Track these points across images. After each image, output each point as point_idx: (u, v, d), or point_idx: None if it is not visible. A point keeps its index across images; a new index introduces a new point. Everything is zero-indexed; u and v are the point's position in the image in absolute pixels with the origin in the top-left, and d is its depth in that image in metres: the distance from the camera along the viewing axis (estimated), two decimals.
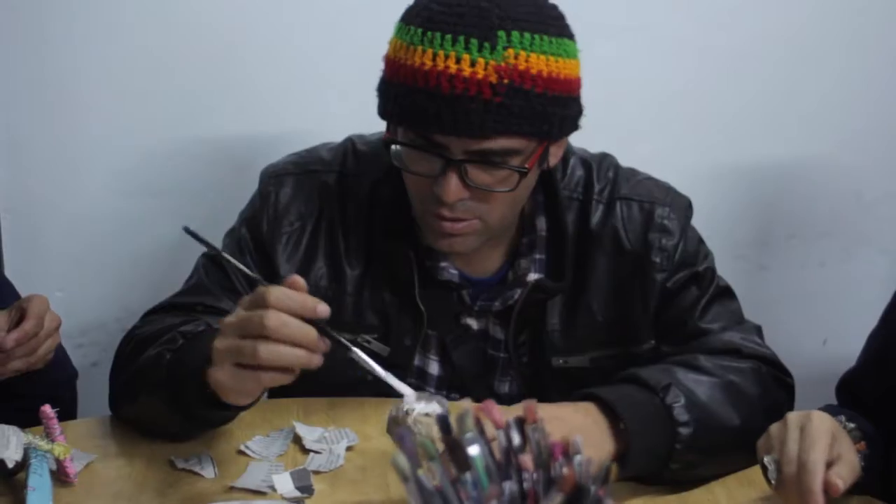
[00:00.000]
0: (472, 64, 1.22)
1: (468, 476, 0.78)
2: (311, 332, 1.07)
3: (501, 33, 1.23)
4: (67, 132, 1.85)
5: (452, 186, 1.27)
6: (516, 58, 1.23)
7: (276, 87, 1.91)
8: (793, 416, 1.13)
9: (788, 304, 2.27)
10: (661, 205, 1.45)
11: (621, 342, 1.46)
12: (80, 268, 1.88)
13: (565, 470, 0.74)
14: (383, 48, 1.87)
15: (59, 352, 1.41)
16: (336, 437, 1.32)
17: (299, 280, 1.09)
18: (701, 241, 1.49)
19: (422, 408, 1.11)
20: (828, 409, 1.29)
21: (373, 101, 1.85)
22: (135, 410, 1.30)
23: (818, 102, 2.20)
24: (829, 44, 2.16)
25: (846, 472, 1.08)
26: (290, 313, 1.06)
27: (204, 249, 1.47)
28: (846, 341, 2.35)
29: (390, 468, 1.21)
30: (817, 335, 2.27)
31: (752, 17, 2.10)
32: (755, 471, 1.30)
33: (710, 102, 2.10)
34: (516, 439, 0.80)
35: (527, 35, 1.24)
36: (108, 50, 1.83)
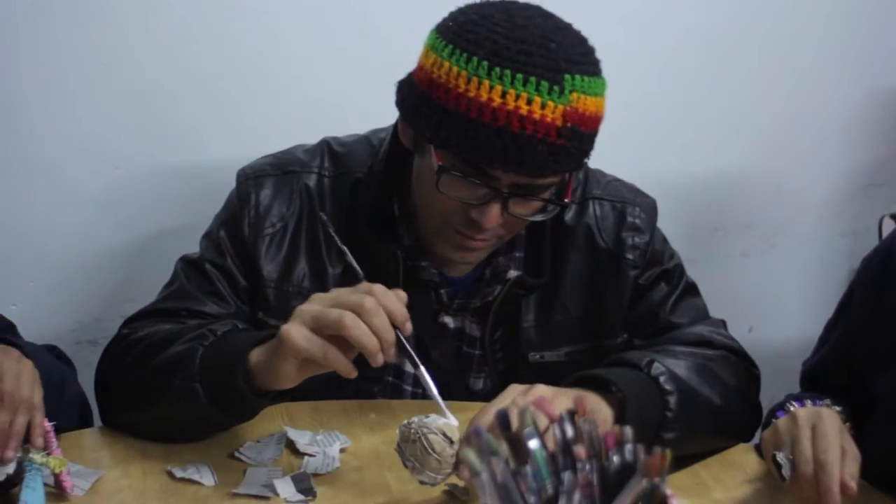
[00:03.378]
0: (543, 107, 1.22)
1: (528, 469, 0.81)
2: (391, 333, 1.15)
3: (567, 77, 1.24)
4: (14, 144, 1.80)
5: (494, 215, 1.29)
6: (578, 101, 1.24)
7: (223, 98, 1.90)
8: (802, 414, 1.18)
9: (714, 295, 2.34)
10: (631, 204, 1.51)
11: (595, 336, 1.50)
12: (32, 281, 1.83)
13: (642, 455, 0.77)
14: (341, 56, 1.91)
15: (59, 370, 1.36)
16: (328, 439, 1.33)
17: (403, 294, 1.19)
18: (666, 240, 1.55)
19: (430, 420, 1.15)
20: (801, 395, 1.36)
21: (325, 110, 1.88)
22: (158, 411, 1.29)
23: (737, 101, 2.29)
24: (744, 48, 2.25)
25: (855, 467, 1.14)
26: (386, 311, 1.14)
27: (181, 254, 1.49)
28: (771, 328, 2.48)
29: (387, 468, 1.27)
30: (743, 323, 2.36)
31: (670, 22, 2.18)
32: (736, 452, 1.37)
33: (636, 107, 2.16)
34: (569, 431, 0.83)
35: (586, 79, 1.25)
36: (53, 61, 1.79)
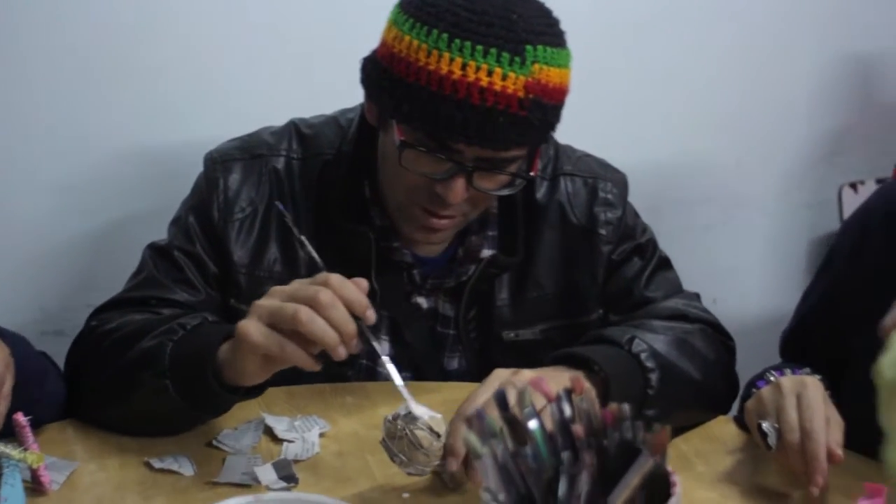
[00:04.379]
0: (504, 78, 1.22)
1: (528, 449, 0.80)
2: (352, 324, 1.11)
3: (529, 48, 1.23)
4: None
5: (458, 189, 1.28)
6: (540, 72, 1.24)
7: (188, 80, 1.87)
8: (787, 383, 1.19)
9: (678, 267, 2.37)
10: (602, 180, 1.50)
11: (570, 313, 1.50)
12: None
13: (645, 435, 0.77)
14: (303, 42, 1.88)
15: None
16: (306, 424, 1.31)
17: (363, 282, 1.14)
18: (637, 214, 1.55)
19: (414, 416, 1.13)
20: (780, 365, 1.36)
21: (291, 96, 1.85)
22: (130, 406, 1.27)
23: (698, 76, 2.30)
24: (706, 21, 2.27)
25: (839, 435, 1.15)
26: (343, 301, 1.10)
27: (148, 242, 1.46)
28: (735, 298, 2.50)
29: (368, 451, 1.25)
30: (707, 295, 2.36)
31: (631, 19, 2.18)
32: (716, 425, 1.37)
33: (598, 83, 2.15)
34: (567, 411, 0.82)
35: (549, 50, 1.25)
36: (12, 42, 1.75)
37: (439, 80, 1.22)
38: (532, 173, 1.34)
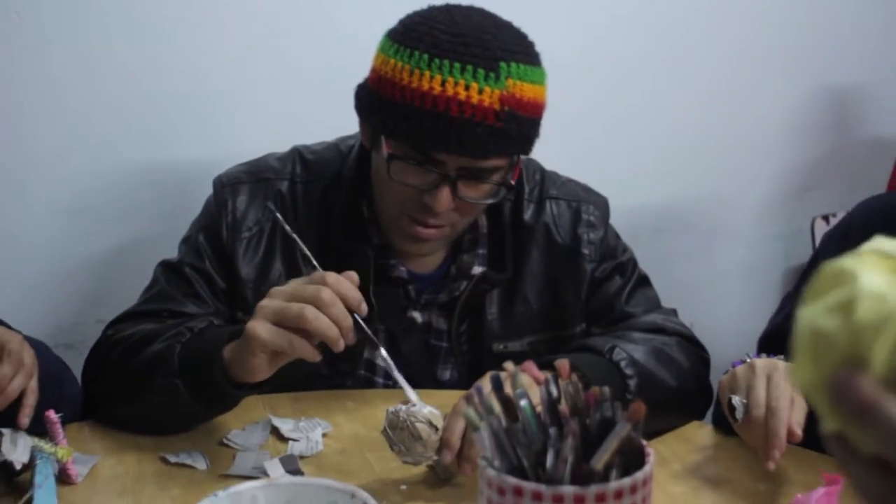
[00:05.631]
0: (480, 92, 1.34)
1: (519, 425, 0.90)
2: (349, 319, 1.22)
3: (503, 64, 1.35)
4: None
5: (444, 198, 1.39)
6: (514, 87, 1.36)
7: (197, 112, 1.97)
8: (760, 364, 1.29)
9: (659, 293, 2.48)
10: (585, 203, 1.61)
11: (555, 327, 1.60)
12: (9, 287, 1.88)
13: (620, 411, 0.87)
14: (306, 69, 1.99)
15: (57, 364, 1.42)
16: (310, 425, 1.41)
17: (354, 275, 1.25)
18: (618, 235, 1.66)
19: (415, 409, 1.23)
20: (760, 354, 1.46)
21: (295, 120, 1.96)
22: (142, 405, 1.36)
23: (677, 110, 2.43)
24: (683, 54, 2.39)
25: (801, 416, 1.25)
26: (341, 297, 1.21)
27: (161, 259, 1.56)
28: (713, 323, 2.60)
29: (368, 449, 1.35)
30: (686, 319, 2.47)
31: (615, 33, 2.31)
32: (690, 429, 1.47)
33: (584, 116, 2.27)
34: (554, 392, 0.92)
35: (522, 66, 1.37)
36: (26, 72, 1.85)
37: (421, 96, 1.34)
38: (512, 181, 1.46)
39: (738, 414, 1.28)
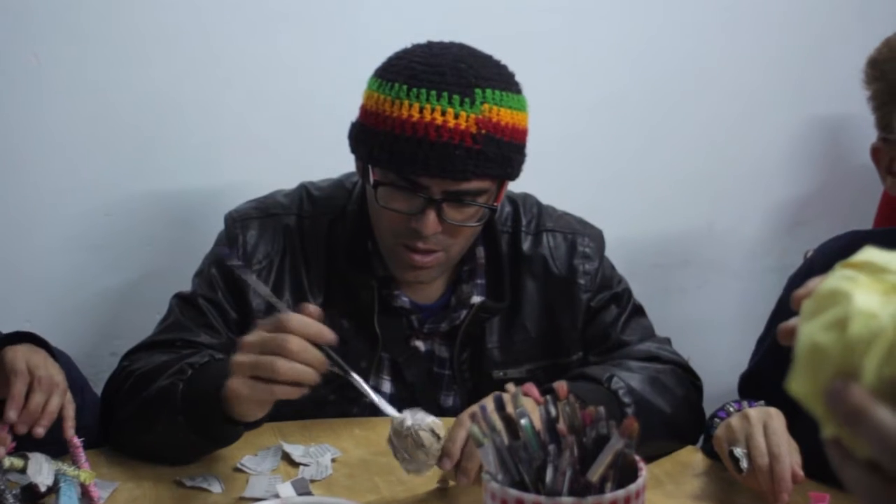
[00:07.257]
0: (456, 116, 1.42)
1: (521, 442, 0.96)
2: (321, 357, 1.27)
3: (478, 90, 1.43)
4: (12, 194, 1.94)
5: (430, 222, 1.46)
6: (490, 111, 1.43)
7: (208, 145, 2.05)
8: (754, 413, 1.34)
9: (656, 328, 2.52)
10: (581, 235, 1.68)
11: (553, 354, 1.66)
12: (25, 321, 1.94)
13: (615, 429, 0.93)
14: (311, 107, 2.06)
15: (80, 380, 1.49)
16: (319, 451, 1.47)
17: (316, 310, 1.29)
18: (613, 266, 1.72)
19: (419, 418, 1.29)
20: (738, 401, 1.52)
21: (301, 156, 2.03)
22: (150, 438, 1.42)
23: (673, 147, 2.49)
24: (679, 91, 2.45)
25: (798, 458, 1.30)
26: (307, 338, 1.26)
27: (166, 294, 1.63)
28: (708, 357, 2.64)
29: (376, 473, 1.41)
30: (682, 353, 2.53)
31: (613, 71, 2.36)
32: (684, 454, 1.53)
33: (580, 153, 2.34)
34: (553, 411, 0.98)
35: (497, 92, 1.45)
36: (47, 117, 1.93)
37: (401, 124, 1.42)
38: (496, 204, 1.52)
39: (743, 464, 1.31)
